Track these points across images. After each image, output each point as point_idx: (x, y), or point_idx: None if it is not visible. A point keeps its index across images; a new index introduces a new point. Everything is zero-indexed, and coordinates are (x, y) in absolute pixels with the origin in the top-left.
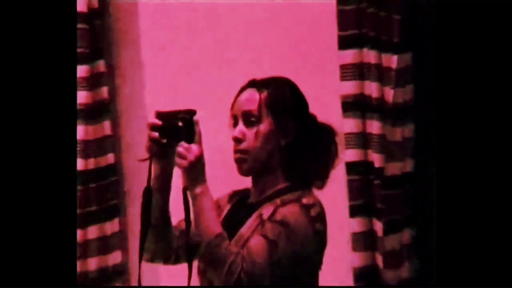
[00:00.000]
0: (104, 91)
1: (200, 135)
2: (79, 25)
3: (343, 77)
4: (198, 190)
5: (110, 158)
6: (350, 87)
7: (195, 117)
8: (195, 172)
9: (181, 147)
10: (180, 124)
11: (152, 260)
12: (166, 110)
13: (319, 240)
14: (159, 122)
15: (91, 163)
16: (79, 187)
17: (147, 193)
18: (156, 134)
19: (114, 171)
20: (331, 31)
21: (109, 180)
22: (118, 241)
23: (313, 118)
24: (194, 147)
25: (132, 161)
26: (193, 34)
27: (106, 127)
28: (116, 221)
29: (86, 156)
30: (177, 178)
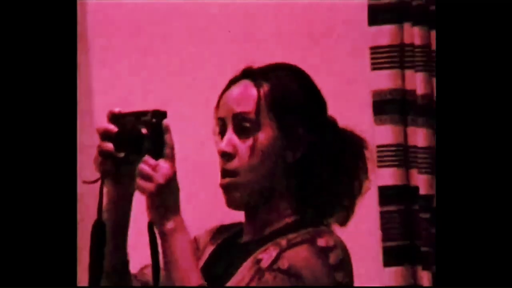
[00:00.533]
0: None
1: (172, 147)
2: None
3: (375, 65)
4: (169, 225)
5: None
6: (384, 80)
7: (165, 122)
8: (165, 199)
9: (145, 164)
10: (143, 131)
11: None
12: (123, 111)
13: None
14: (113, 128)
15: None
16: None
17: (98, 228)
18: (109, 145)
19: None
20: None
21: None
22: None
23: (332, 123)
24: (163, 164)
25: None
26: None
27: None
28: None
29: None
30: (140, 206)
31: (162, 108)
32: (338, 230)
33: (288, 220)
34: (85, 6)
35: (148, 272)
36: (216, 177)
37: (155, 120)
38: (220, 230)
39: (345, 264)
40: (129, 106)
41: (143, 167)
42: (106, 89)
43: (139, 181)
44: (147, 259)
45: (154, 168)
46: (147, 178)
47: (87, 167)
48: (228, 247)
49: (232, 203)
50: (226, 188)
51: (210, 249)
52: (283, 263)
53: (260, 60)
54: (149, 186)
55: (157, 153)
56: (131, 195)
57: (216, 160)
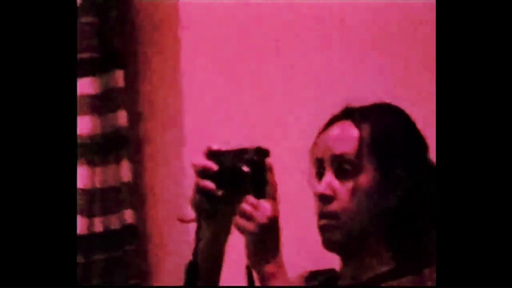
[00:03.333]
0: (121, 117)
1: (275, 187)
2: (83, 19)
3: None
4: (269, 268)
5: (127, 215)
6: None
7: (268, 160)
8: (266, 241)
9: (247, 203)
10: (245, 169)
11: None
12: (223, 148)
13: None
14: (213, 165)
15: (98, 224)
16: (79, 257)
17: (192, 271)
18: (208, 183)
19: (133, 235)
20: None
21: (124, 249)
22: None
23: (433, 165)
24: (265, 204)
25: (163, 220)
26: (258, 33)
27: (124, 170)
28: None
29: (90, 214)
30: (234, 247)
31: (262, 143)
32: None
33: (386, 267)
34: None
35: None
36: (312, 221)
37: (257, 158)
38: (313, 276)
39: None
40: (225, 143)
41: (245, 206)
42: (197, 122)
43: (240, 221)
44: None
45: (256, 207)
46: (249, 217)
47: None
48: None
49: (329, 245)
50: (324, 230)
51: None
52: None
53: (362, 98)
54: (251, 226)
55: (259, 192)
56: (227, 235)
57: (311, 203)
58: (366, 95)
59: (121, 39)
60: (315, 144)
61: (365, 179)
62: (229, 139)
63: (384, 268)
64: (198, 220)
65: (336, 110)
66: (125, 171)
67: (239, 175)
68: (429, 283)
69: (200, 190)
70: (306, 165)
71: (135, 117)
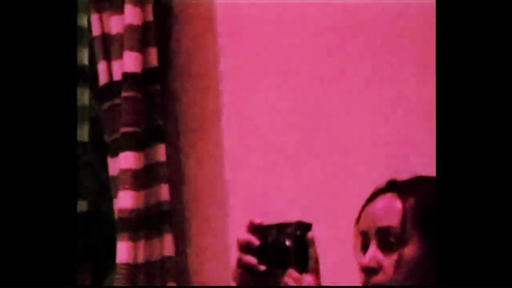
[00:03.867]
0: (163, 191)
1: (317, 261)
2: (125, 93)
3: None
4: None
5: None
6: None
7: (310, 234)
8: None
9: (290, 277)
10: (288, 243)
11: None
12: (265, 222)
13: None
14: (255, 240)
15: None
16: None
17: None
18: (250, 258)
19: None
20: None
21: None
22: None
23: None
24: (308, 278)
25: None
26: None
27: (167, 244)
28: None
29: None
30: None
31: (303, 218)
32: None
33: None
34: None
35: None
36: None
37: (300, 233)
38: None
39: None
40: (267, 217)
41: (287, 280)
42: (240, 195)
43: None
44: None
45: (299, 282)
46: None
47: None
48: None
49: None
50: None
51: None
52: None
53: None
54: None
55: (302, 267)
56: None
57: (356, 275)
58: (410, 167)
59: (163, 113)
60: (360, 217)
61: (410, 251)
62: (272, 213)
63: None
64: None
65: (380, 183)
66: (168, 245)
67: (281, 250)
68: None
69: (243, 265)
70: (349, 239)
71: (178, 191)
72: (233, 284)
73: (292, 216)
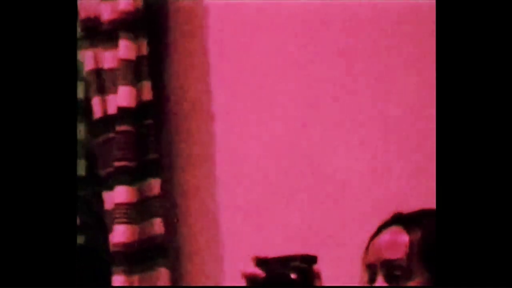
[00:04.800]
0: (157, 225)
1: None
2: (119, 127)
3: None
4: None
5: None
6: None
7: (316, 267)
8: None
9: None
10: (293, 276)
11: None
12: (270, 255)
13: None
14: (261, 273)
15: None
16: None
17: None
18: None
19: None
20: None
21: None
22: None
23: None
24: None
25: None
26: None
27: (162, 277)
28: None
29: None
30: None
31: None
32: None
33: None
34: None
35: None
36: None
37: (305, 266)
38: None
39: None
40: (272, 250)
41: None
42: (235, 228)
43: None
44: None
45: None
46: None
47: None
48: None
49: None
50: None
51: None
52: None
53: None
54: None
55: None
56: None
57: None
58: (416, 201)
59: (156, 147)
60: (366, 250)
61: (416, 284)
62: (277, 247)
63: None
64: None
65: (386, 216)
66: (163, 279)
67: (287, 283)
68: None
69: None
70: (355, 272)
71: (172, 225)
72: None
73: (292, 250)
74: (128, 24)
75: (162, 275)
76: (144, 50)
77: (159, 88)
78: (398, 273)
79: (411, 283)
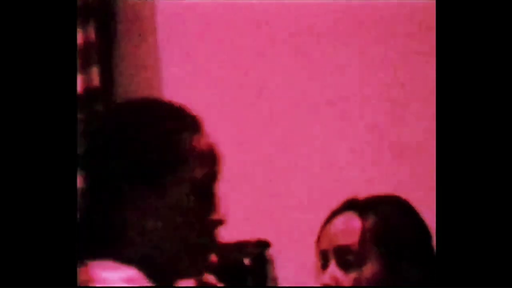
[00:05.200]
0: None
1: (275, 279)
2: None
3: None
4: None
5: None
6: None
7: (268, 252)
8: None
9: None
10: (247, 262)
11: None
12: (223, 241)
13: None
14: (214, 258)
15: None
16: None
17: None
18: (210, 276)
19: None
20: None
21: None
22: None
23: None
24: None
25: None
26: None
27: None
28: None
29: None
30: None
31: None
32: None
33: None
34: None
35: None
36: None
37: (259, 251)
38: None
39: None
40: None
41: None
42: None
43: None
44: None
45: None
46: None
47: None
48: None
49: None
50: None
51: None
52: None
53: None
54: None
55: (261, 285)
56: None
57: None
58: (370, 186)
59: None
60: (319, 235)
61: (369, 270)
62: (230, 233)
63: None
64: None
65: (340, 201)
66: None
67: (240, 268)
68: None
69: (202, 284)
70: (309, 257)
71: None
72: None
73: (250, 235)
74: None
75: None
76: (93, 36)
77: (107, 74)
78: (350, 259)
79: (364, 269)
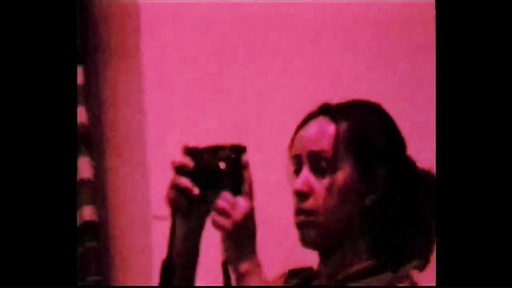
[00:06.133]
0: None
1: (251, 184)
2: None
3: None
4: (245, 266)
5: (86, 212)
6: None
7: (244, 157)
8: (242, 238)
9: (223, 200)
10: (222, 166)
11: None
12: (199, 145)
13: None
14: (190, 163)
15: None
16: None
17: (168, 268)
18: (184, 180)
19: (95, 233)
20: None
21: (84, 246)
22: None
23: (411, 163)
24: (242, 201)
25: (131, 220)
26: (234, 33)
27: (84, 167)
28: None
29: None
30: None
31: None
32: (417, 276)
33: (364, 264)
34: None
35: None
36: (289, 218)
37: (234, 155)
38: (292, 274)
39: None
40: (202, 140)
41: (221, 203)
42: (177, 122)
43: (216, 218)
44: None
45: (232, 205)
46: (225, 214)
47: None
48: None
49: (306, 242)
50: (300, 226)
51: None
52: None
53: (338, 95)
54: (227, 223)
55: (236, 189)
56: (201, 230)
57: (289, 200)
58: (344, 92)
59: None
60: (292, 140)
61: (342, 176)
62: (206, 137)
63: (363, 264)
64: (173, 216)
65: (314, 106)
66: (86, 168)
67: (215, 172)
68: (407, 281)
69: (176, 187)
70: (284, 162)
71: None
72: None
73: (226, 140)
74: None
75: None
76: None
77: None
78: (323, 164)
79: (337, 174)
